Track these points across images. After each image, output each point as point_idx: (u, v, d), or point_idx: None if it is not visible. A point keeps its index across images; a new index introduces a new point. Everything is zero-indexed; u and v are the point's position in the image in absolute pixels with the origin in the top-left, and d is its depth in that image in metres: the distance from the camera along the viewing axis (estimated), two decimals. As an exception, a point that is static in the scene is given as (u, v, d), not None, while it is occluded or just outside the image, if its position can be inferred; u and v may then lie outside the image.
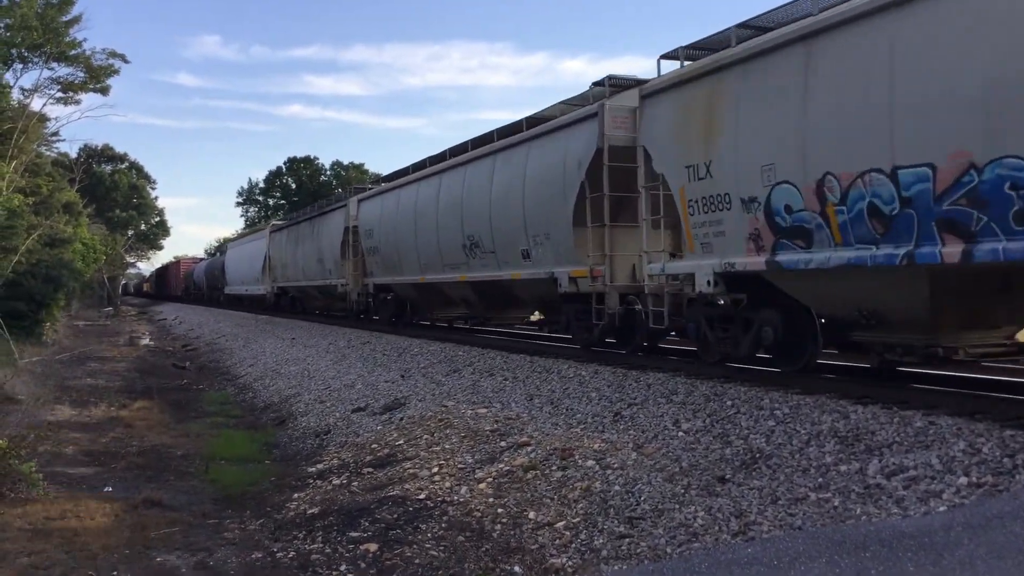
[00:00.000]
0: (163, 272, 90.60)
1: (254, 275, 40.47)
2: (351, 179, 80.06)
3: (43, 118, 37.80)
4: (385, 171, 30.93)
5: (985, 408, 7.68)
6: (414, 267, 20.16)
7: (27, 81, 79.39)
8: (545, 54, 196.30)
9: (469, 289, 17.79)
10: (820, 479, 6.74)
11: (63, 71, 36.35)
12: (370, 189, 26.02)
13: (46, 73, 35.82)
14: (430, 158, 20.41)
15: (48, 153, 43.24)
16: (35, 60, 34.83)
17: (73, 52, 35.53)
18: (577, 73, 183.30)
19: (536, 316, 18.86)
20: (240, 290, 44.95)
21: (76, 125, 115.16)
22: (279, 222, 40.54)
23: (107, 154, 75.40)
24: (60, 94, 37.23)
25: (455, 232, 17.48)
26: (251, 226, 77.62)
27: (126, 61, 39.01)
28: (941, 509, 5.69)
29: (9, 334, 24.22)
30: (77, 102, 38.38)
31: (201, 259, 76.92)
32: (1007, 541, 4.33)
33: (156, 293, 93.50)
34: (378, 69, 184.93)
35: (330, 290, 28.21)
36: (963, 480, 6.08)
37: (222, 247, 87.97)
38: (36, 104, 37.03)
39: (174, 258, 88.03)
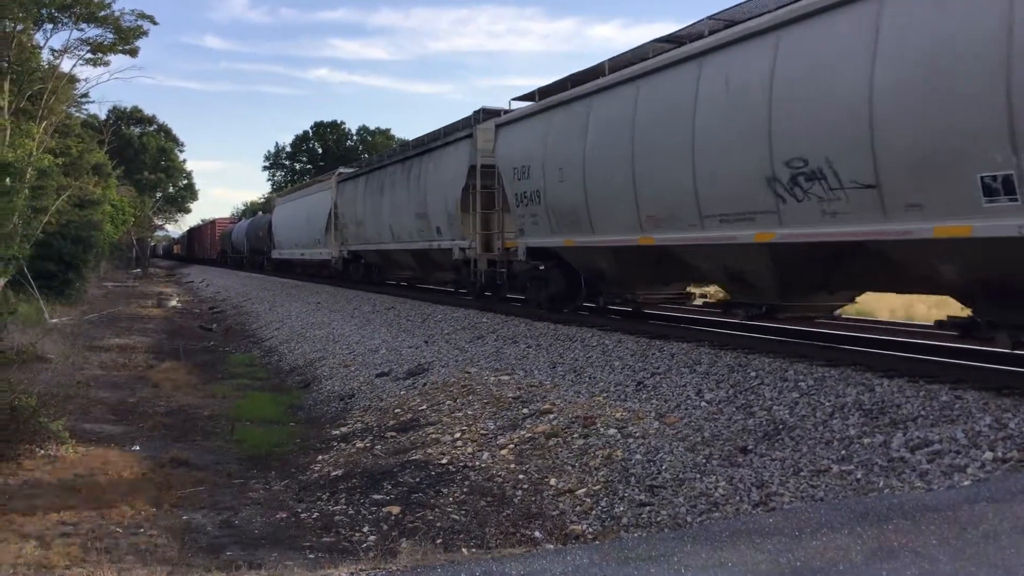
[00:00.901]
0: (195, 233, 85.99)
1: (313, 236, 32.98)
2: (377, 144, 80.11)
3: (73, 79, 38.05)
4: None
5: (1013, 383, 7.59)
6: (617, 222, 12.63)
7: (57, 42, 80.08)
8: (575, 19, 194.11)
9: (766, 258, 10.04)
10: (843, 451, 6.71)
11: (92, 32, 36.45)
12: (512, 111, 16.71)
13: (75, 34, 35.96)
14: (653, 42, 12.25)
15: (77, 114, 43.60)
16: (65, 21, 34.95)
17: (102, 13, 35.58)
18: (607, 39, 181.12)
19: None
20: (293, 254, 37.69)
21: (105, 87, 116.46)
22: (348, 169, 31.66)
23: (136, 116, 75.94)
24: (89, 55, 37.37)
25: (749, 157, 9.73)
26: (277, 190, 77.06)
27: (155, 23, 39.01)
28: (965, 483, 5.65)
29: (39, 294, 24.61)
30: (106, 63, 38.48)
31: (240, 219, 71.13)
32: (1032, 517, 4.28)
33: (187, 256, 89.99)
34: (405, 34, 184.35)
35: (436, 256, 20.56)
36: (988, 455, 6.03)
37: (251, 209, 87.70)
38: (66, 65, 37.29)
39: (202, 221, 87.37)
